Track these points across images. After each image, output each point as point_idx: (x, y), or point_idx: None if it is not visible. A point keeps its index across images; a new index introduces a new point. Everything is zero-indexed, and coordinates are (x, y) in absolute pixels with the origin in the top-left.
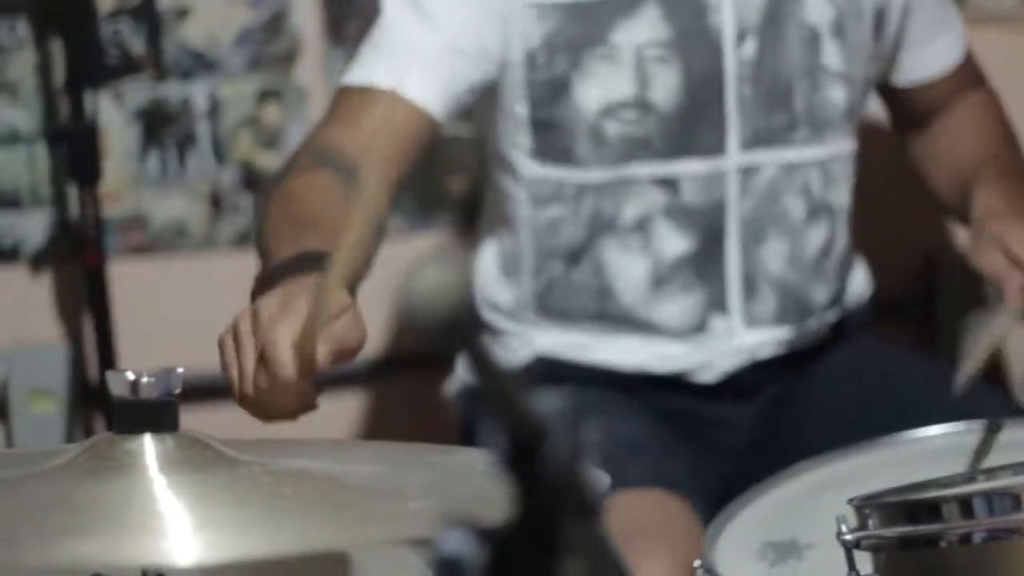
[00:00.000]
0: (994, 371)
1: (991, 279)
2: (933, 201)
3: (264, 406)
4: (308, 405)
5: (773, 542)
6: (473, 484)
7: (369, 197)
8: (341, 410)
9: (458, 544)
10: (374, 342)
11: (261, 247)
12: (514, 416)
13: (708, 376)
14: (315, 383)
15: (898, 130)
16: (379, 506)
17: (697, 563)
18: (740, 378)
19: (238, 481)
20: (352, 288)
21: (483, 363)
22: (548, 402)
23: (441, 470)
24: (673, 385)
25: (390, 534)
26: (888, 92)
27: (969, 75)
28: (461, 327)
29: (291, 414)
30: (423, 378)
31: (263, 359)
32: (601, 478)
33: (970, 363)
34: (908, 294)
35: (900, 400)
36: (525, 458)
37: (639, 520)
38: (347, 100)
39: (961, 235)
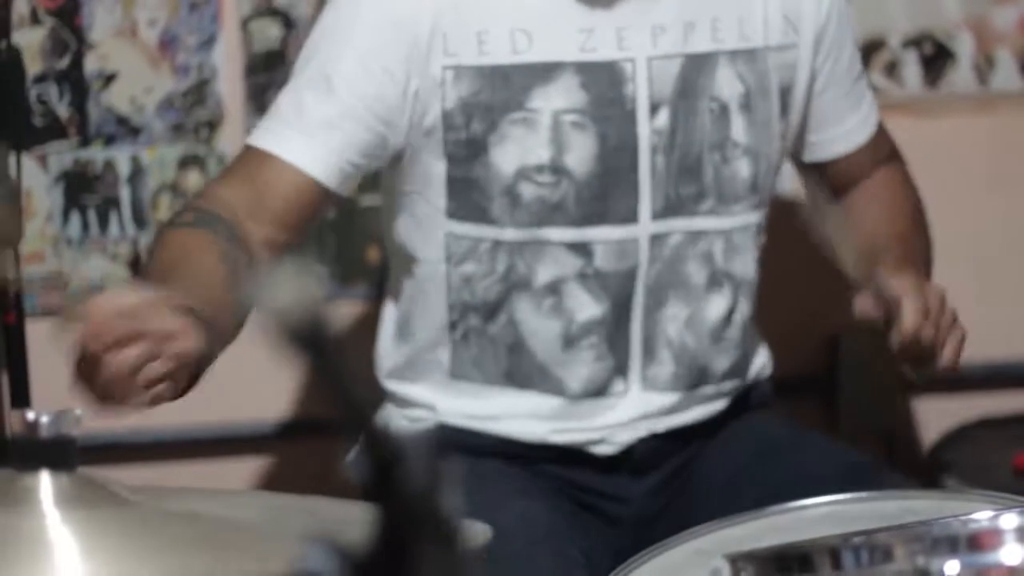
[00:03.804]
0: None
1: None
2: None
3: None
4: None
5: None
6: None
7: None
8: (244, 471)
9: (319, 561)
10: (280, 405)
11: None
12: (370, 436)
13: (606, 449)
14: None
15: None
16: (259, 545)
17: None
18: (638, 452)
19: (127, 518)
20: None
21: (334, 378)
22: (410, 432)
23: (324, 518)
24: (572, 458)
25: (268, 570)
26: (802, 167)
27: (881, 149)
28: (313, 339)
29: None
30: (328, 442)
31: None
32: (482, 529)
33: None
34: (810, 376)
35: (789, 473)
36: (383, 479)
37: None
38: (246, 160)
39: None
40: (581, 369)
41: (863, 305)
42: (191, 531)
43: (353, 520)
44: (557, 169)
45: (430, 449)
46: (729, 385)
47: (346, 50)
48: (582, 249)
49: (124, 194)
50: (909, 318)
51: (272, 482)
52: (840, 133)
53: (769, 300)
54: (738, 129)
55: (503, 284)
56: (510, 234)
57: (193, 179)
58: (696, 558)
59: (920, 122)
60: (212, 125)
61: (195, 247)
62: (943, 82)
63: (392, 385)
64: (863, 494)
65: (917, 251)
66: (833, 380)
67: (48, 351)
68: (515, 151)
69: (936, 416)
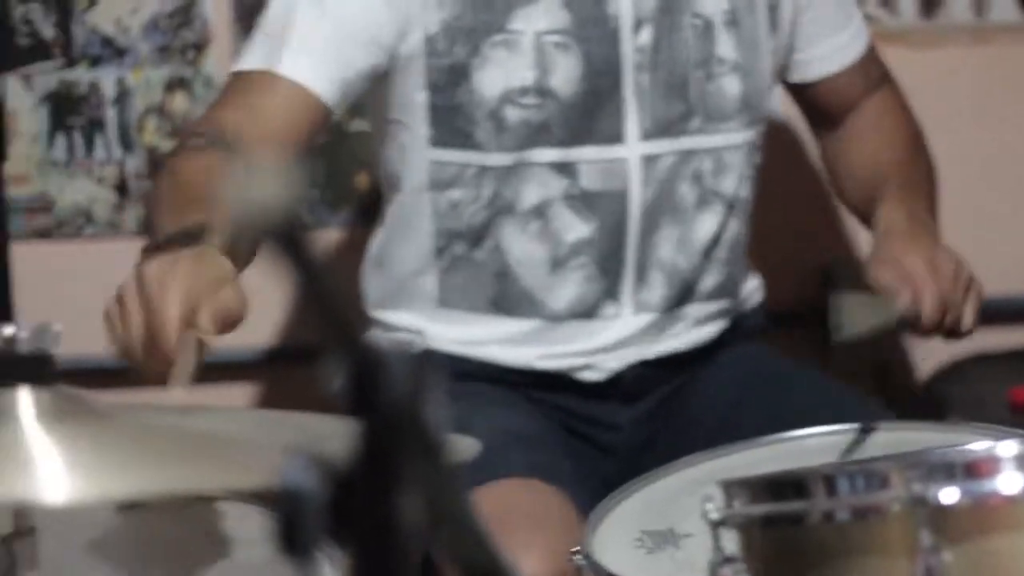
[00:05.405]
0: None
1: (884, 291)
2: (841, 200)
3: (151, 370)
4: (191, 370)
5: (651, 531)
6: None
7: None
8: (232, 398)
9: (300, 474)
10: (268, 331)
11: (149, 222)
12: (353, 345)
13: (595, 375)
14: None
15: (812, 129)
16: (242, 458)
17: (575, 550)
18: (627, 379)
19: (109, 432)
20: (242, 262)
21: (314, 280)
22: (394, 344)
23: (310, 432)
24: (561, 384)
25: (250, 483)
26: (794, 90)
27: (873, 71)
28: (292, 238)
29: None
30: (316, 370)
31: (148, 323)
32: (470, 443)
33: (852, 330)
34: (804, 307)
35: (783, 404)
36: (366, 390)
37: (516, 510)
38: (239, 85)
39: (860, 250)
40: (569, 290)
41: (880, 275)
42: (173, 445)
43: (339, 435)
44: (542, 91)
45: (415, 361)
46: (716, 306)
47: None
48: (567, 169)
49: (110, 116)
50: (927, 310)
51: (265, 408)
52: (827, 51)
53: (762, 230)
54: (725, 46)
55: (489, 210)
56: (495, 159)
57: (179, 101)
58: (688, 486)
59: (915, 53)
60: (199, 47)
61: (206, 170)
62: (939, 13)
63: (378, 313)
64: (853, 426)
65: (919, 179)
66: (826, 312)
67: (33, 274)
68: (498, 74)
69: (929, 351)
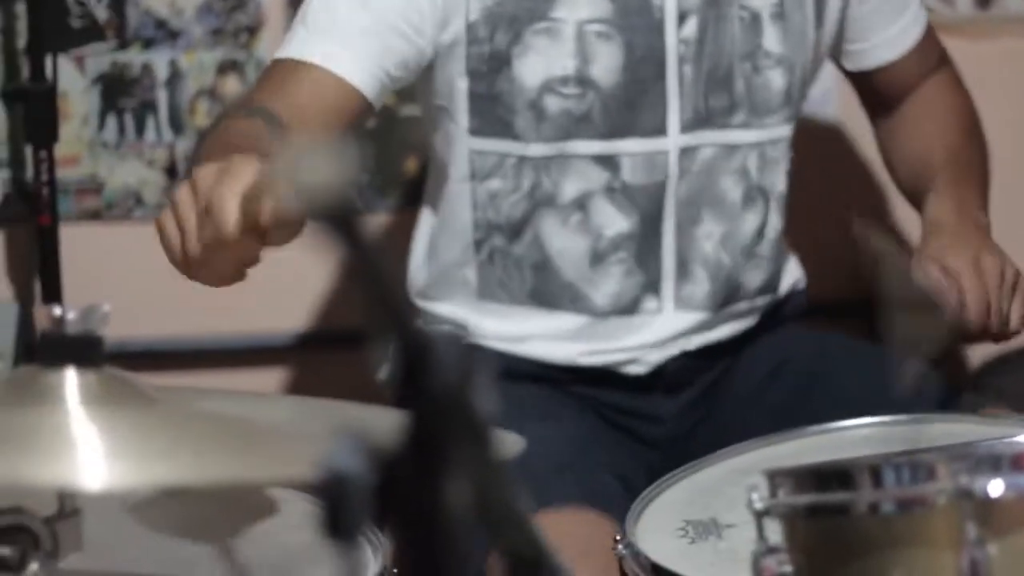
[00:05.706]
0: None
1: (929, 291)
2: (894, 184)
3: (205, 266)
4: (249, 262)
5: (693, 521)
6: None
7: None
8: (269, 382)
9: (347, 459)
10: (300, 316)
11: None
12: (401, 326)
13: (638, 369)
14: (257, 240)
15: (868, 114)
16: (285, 446)
17: (618, 538)
18: (669, 370)
19: (152, 417)
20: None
21: (365, 263)
22: (442, 331)
23: (352, 419)
24: (603, 379)
25: (293, 470)
26: (852, 77)
27: (931, 54)
28: (342, 220)
29: (231, 273)
30: (354, 353)
31: (207, 213)
32: (514, 439)
33: (912, 368)
34: (849, 297)
35: (829, 392)
36: (414, 375)
37: (568, 544)
38: (277, 72)
39: (910, 243)
40: (609, 285)
41: (926, 274)
42: (216, 431)
43: (382, 423)
44: (582, 80)
45: (464, 347)
46: (762, 300)
47: None
48: (609, 162)
49: (161, 98)
50: (974, 314)
51: (299, 392)
52: (885, 40)
53: (811, 222)
54: (771, 39)
55: (528, 201)
56: (535, 149)
57: (231, 84)
58: (732, 476)
59: (971, 44)
60: (252, 30)
61: (254, 131)
62: (995, 4)
63: (422, 303)
64: (904, 417)
65: (971, 165)
66: (870, 301)
67: (81, 255)
68: (539, 63)
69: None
